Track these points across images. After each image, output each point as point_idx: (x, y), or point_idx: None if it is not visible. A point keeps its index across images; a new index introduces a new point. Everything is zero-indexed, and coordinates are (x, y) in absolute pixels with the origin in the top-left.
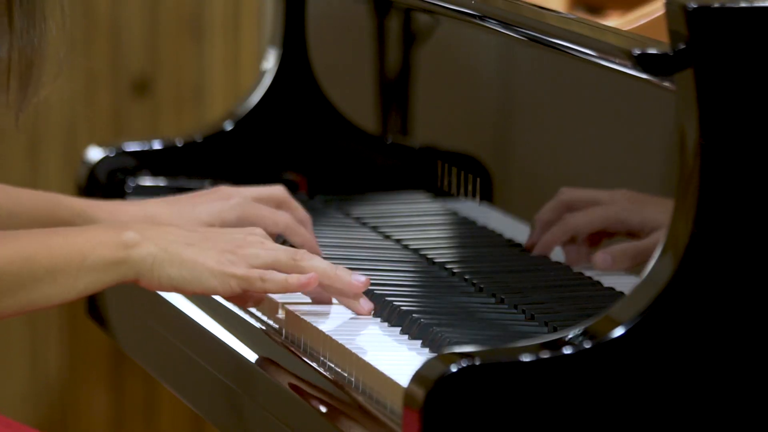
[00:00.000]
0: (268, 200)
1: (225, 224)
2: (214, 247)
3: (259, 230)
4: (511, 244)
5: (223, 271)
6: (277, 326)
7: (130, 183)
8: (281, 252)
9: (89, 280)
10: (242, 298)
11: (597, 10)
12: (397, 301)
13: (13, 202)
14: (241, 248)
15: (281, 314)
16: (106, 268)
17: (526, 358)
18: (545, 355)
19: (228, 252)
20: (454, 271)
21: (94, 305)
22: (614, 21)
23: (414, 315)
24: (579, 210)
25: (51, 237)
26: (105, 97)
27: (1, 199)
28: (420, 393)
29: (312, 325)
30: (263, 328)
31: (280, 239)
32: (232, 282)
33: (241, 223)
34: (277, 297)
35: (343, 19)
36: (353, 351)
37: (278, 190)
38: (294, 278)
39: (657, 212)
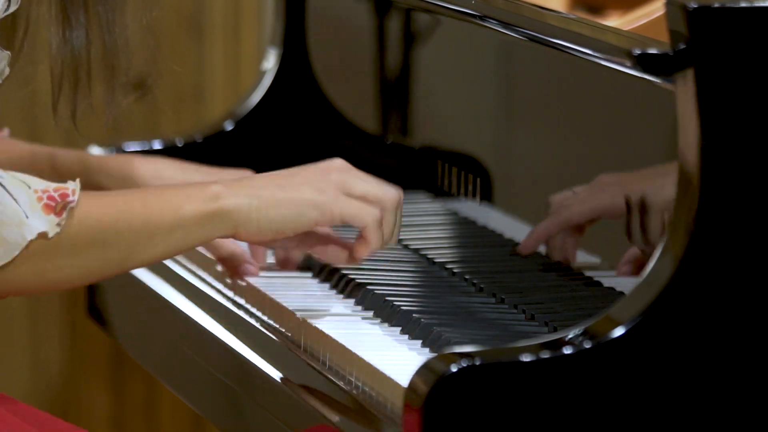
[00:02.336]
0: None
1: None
2: (304, 181)
3: (339, 160)
4: (511, 244)
5: (323, 201)
6: (277, 326)
7: None
8: (370, 186)
9: (183, 235)
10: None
11: (597, 10)
12: (398, 301)
13: (12, 152)
14: (333, 174)
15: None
16: (200, 221)
17: (526, 358)
18: (545, 355)
19: (322, 181)
20: (454, 271)
21: (93, 305)
22: (614, 21)
23: (414, 315)
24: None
25: (142, 191)
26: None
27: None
28: (420, 393)
29: (312, 324)
30: (263, 327)
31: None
32: (334, 209)
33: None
34: (282, 301)
35: (343, 19)
36: (354, 351)
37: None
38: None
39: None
